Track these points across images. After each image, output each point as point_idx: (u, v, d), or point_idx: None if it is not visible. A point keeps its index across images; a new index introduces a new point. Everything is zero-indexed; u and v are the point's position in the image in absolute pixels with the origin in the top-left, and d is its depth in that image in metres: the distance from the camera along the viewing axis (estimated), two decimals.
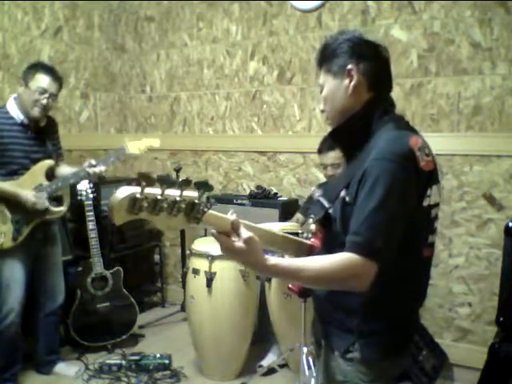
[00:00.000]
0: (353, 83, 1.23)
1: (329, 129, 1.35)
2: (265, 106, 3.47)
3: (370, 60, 1.25)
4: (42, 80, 2.51)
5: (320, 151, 2.59)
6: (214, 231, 1.12)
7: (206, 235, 3.41)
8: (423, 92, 2.87)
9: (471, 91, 2.73)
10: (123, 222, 0.96)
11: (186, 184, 0.98)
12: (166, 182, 0.95)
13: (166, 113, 3.96)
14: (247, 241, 1.09)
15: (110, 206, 0.94)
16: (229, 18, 3.54)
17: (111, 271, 3.11)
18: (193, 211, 1.01)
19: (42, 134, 2.65)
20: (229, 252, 1.12)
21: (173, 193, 0.97)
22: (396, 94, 2.93)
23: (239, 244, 1.09)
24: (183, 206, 0.99)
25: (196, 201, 1.00)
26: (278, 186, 3.46)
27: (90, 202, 2.92)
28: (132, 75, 4.10)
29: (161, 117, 4.00)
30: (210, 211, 1.06)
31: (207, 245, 2.81)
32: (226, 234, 1.11)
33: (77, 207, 3.06)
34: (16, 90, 2.59)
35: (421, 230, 1.19)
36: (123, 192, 0.93)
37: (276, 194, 3.37)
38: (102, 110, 3.95)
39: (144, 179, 0.93)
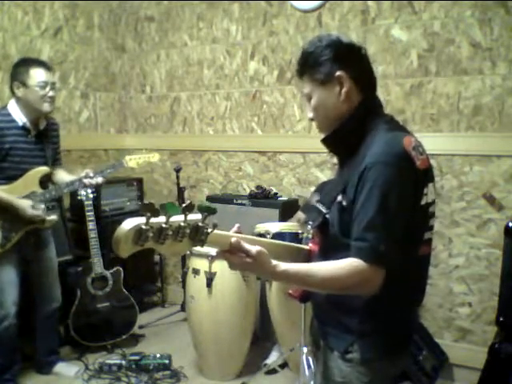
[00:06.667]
0: (345, 90, 1.22)
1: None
2: (265, 106, 3.48)
3: (356, 63, 1.25)
4: (39, 74, 2.47)
5: None
6: (217, 252, 1.13)
7: None
8: (423, 92, 2.87)
9: (471, 91, 2.73)
10: (129, 253, 0.98)
11: (189, 209, 1.00)
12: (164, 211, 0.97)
13: (165, 113, 3.96)
14: (256, 257, 1.10)
15: (115, 239, 0.95)
16: (229, 18, 3.54)
17: (111, 271, 3.11)
18: (197, 234, 1.03)
19: (41, 137, 2.61)
20: (238, 268, 1.13)
21: (177, 219, 0.99)
22: (396, 93, 2.95)
23: (248, 260, 1.10)
24: (188, 230, 1.01)
25: (200, 224, 1.02)
26: (277, 186, 3.46)
27: (90, 202, 2.91)
28: (132, 75, 4.10)
29: (161, 117, 4.00)
30: (214, 231, 1.07)
31: None
32: (230, 252, 1.11)
33: (77, 207, 3.06)
34: (15, 94, 2.50)
35: (417, 229, 1.20)
36: (129, 224, 0.95)
37: (276, 193, 3.36)
38: (102, 110, 3.95)
39: (148, 210, 0.94)
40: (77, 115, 3.72)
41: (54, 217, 2.65)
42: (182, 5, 3.74)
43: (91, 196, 2.89)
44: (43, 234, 2.72)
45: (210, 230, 1.04)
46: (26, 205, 2.46)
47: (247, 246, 1.11)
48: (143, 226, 0.95)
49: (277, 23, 3.34)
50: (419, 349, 2.68)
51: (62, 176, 2.73)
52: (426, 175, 1.19)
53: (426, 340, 2.77)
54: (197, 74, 3.75)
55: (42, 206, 2.52)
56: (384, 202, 1.10)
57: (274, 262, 1.12)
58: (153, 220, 0.95)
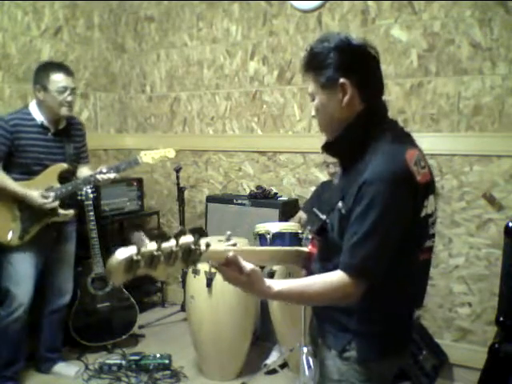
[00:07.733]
0: (347, 97, 1.19)
1: None
2: (265, 106, 3.47)
3: (361, 70, 1.21)
4: (59, 79, 2.55)
5: None
6: (215, 264, 1.14)
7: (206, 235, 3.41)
8: (423, 92, 2.87)
9: (471, 91, 2.73)
10: (123, 281, 1.00)
11: (180, 235, 1.01)
12: (160, 237, 0.98)
13: (165, 113, 3.96)
14: (249, 274, 1.11)
15: (107, 269, 0.96)
16: (229, 18, 3.54)
17: None
18: (190, 256, 1.03)
19: (61, 136, 2.67)
20: (232, 283, 1.15)
21: (169, 244, 1.00)
22: (396, 93, 2.95)
23: (242, 277, 1.12)
24: (180, 253, 1.01)
25: (192, 246, 1.02)
26: (277, 186, 3.46)
27: (90, 202, 2.91)
28: (132, 75, 4.10)
29: (161, 117, 4.00)
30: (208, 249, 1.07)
31: None
32: (226, 265, 1.12)
33: (77, 207, 3.06)
34: (36, 96, 2.58)
35: (417, 238, 1.20)
36: (120, 255, 0.95)
37: (276, 193, 3.37)
38: (102, 110, 3.95)
39: (157, 237, 0.97)
40: (77, 115, 3.70)
41: (70, 211, 2.70)
42: (182, 5, 3.74)
43: (91, 196, 2.90)
44: (66, 228, 2.79)
45: (203, 250, 1.04)
46: (35, 194, 2.51)
47: (243, 262, 1.12)
48: (134, 257, 0.95)
49: (277, 23, 3.34)
50: (419, 349, 2.68)
51: (83, 173, 2.80)
52: (426, 189, 1.17)
53: (426, 340, 2.77)
54: (197, 74, 3.75)
55: (52, 194, 2.55)
56: (378, 221, 1.10)
57: (268, 282, 1.14)
58: (144, 249, 0.96)
